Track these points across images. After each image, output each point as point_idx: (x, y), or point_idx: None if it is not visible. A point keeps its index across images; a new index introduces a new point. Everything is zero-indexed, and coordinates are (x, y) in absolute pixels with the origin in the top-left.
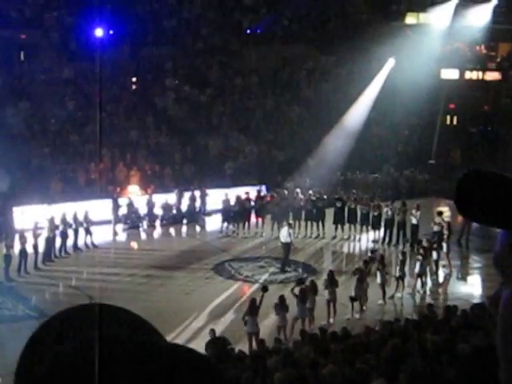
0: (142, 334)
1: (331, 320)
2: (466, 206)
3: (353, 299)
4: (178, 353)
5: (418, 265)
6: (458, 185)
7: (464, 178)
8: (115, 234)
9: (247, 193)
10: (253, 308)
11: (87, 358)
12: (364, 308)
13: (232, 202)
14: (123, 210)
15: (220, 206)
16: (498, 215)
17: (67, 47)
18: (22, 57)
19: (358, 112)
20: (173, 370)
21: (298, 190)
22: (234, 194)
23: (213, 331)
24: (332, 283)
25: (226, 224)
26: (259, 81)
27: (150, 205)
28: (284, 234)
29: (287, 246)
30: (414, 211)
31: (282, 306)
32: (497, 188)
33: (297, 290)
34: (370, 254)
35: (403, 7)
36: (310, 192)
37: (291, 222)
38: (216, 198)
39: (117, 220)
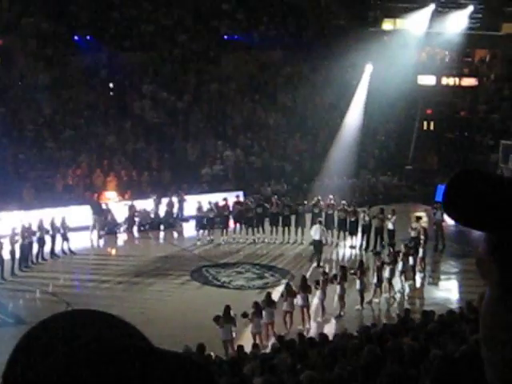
0: (133, 339)
1: (308, 325)
2: (455, 205)
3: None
4: (173, 358)
5: (387, 270)
6: (448, 183)
7: (455, 177)
8: (94, 240)
9: (225, 199)
10: (228, 316)
11: (80, 362)
12: (342, 314)
13: (205, 209)
14: (101, 216)
15: (197, 212)
16: (487, 216)
17: (44, 53)
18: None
19: (345, 117)
20: (169, 375)
21: (275, 196)
22: (211, 199)
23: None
24: (304, 289)
25: (201, 231)
26: (236, 87)
27: (128, 211)
28: (315, 232)
29: (319, 244)
30: (389, 216)
31: (256, 312)
32: (489, 187)
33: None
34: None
35: (380, 13)
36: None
37: (321, 219)
38: (193, 204)
39: (96, 226)
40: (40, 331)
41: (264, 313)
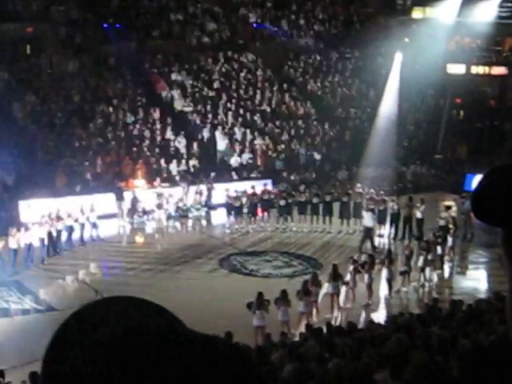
0: (172, 324)
1: (335, 313)
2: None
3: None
4: (217, 343)
5: (421, 259)
6: (479, 184)
7: (489, 175)
8: (122, 227)
9: (253, 187)
10: (260, 302)
11: (126, 346)
12: (370, 302)
13: (233, 197)
14: (128, 204)
15: (226, 200)
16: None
17: (73, 41)
18: (29, 50)
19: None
20: (213, 359)
21: (303, 185)
22: (239, 188)
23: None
24: (335, 277)
25: (229, 219)
26: (265, 75)
27: (156, 198)
28: (368, 220)
29: (369, 231)
30: (418, 205)
31: (284, 300)
32: None
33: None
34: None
35: (409, 1)
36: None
37: (373, 207)
38: (222, 192)
39: (123, 213)
40: (79, 318)
41: (301, 303)
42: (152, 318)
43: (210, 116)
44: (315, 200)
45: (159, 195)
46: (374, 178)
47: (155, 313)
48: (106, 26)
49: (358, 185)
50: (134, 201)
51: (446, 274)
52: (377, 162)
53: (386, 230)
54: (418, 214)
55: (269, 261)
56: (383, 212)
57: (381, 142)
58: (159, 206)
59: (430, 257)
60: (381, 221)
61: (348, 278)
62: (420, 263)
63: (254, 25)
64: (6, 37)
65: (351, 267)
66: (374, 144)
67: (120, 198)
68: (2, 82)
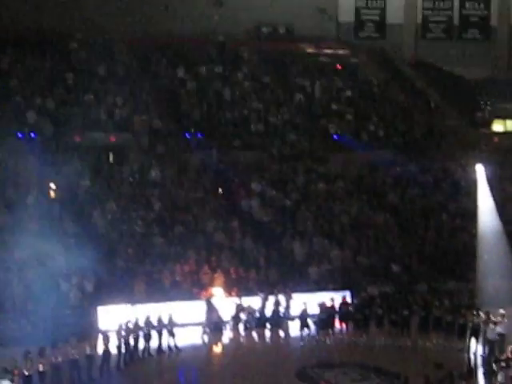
0: None
1: None
2: None
3: None
4: None
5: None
6: None
7: None
8: (203, 336)
9: (332, 299)
10: None
11: None
12: None
13: (311, 309)
14: (206, 313)
15: (304, 311)
16: None
17: (155, 150)
18: (111, 159)
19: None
20: None
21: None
22: (318, 299)
23: None
24: None
25: (307, 331)
26: (344, 186)
27: (234, 308)
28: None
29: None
30: (499, 319)
31: None
32: None
33: None
34: None
35: (489, 114)
36: None
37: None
38: (300, 303)
39: (202, 322)
40: None
41: None
42: None
43: (289, 226)
44: (393, 313)
45: (237, 305)
46: (456, 291)
47: None
48: (187, 135)
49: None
50: (212, 310)
51: None
52: (458, 274)
53: (466, 344)
54: (499, 330)
55: (346, 373)
56: (463, 325)
57: (460, 255)
58: (237, 316)
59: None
60: (460, 334)
61: None
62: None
63: (334, 136)
64: (89, 145)
65: None
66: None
67: (198, 307)
68: (84, 189)
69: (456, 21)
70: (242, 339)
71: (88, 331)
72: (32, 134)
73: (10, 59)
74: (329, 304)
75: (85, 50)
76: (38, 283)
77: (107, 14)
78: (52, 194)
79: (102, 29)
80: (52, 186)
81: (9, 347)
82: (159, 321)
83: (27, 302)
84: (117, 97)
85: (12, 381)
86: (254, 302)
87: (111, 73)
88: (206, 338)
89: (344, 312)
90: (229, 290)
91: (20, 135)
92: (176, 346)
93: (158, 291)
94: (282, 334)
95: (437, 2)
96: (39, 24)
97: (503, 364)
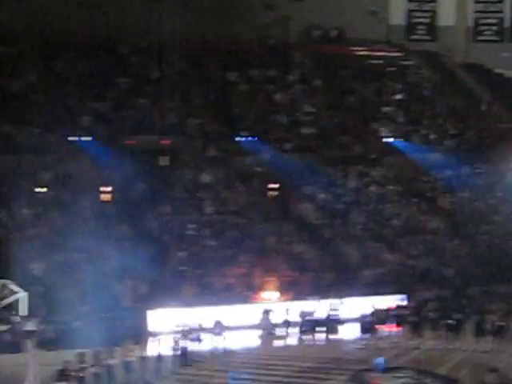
0: None
1: None
2: None
3: None
4: None
5: None
6: None
7: None
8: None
9: (386, 303)
10: None
11: None
12: None
13: (366, 312)
14: (259, 317)
15: (358, 315)
16: None
17: (208, 153)
18: (165, 162)
19: None
20: None
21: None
22: (372, 303)
23: None
24: None
25: (361, 335)
26: (396, 190)
27: (287, 312)
28: None
29: None
30: None
31: None
32: None
33: None
34: None
35: None
36: None
37: None
38: (354, 306)
39: (260, 326)
40: None
41: None
42: None
43: (341, 229)
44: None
45: (290, 309)
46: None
47: None
48: (240, 138)
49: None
50: (265, 314)
51: None
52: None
53: None
54: None
55: (399, 377)
56: None
57: None
58: (289, 320)
59: None
60: None
61: None
62: None
63: (386, 139)
64: (143, 148)
65: None
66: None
67: (251, 311)
68: (138, 192)
69: (507, 23)
70: (294, 343)
71: (141, 333)
72: (86, 138)
73: (64, 64)
74: (383, 307)
75: (137, 54)
76: (91, 285)
77: (158, 17)
78: (106, 196)
79: (154, 33)
80: (106, 188)
81: (63, 349)
82: (211, 324)
83: (81, 303)
84: (170, 100)
85: (67, 382)
86: (307, 305)
87: (164, 76)
88: (258, 342)
89: (398, 315)
90: (282, 294)
91: (74, 139)
92: (228, 350)
93: (210, 294)
94: (335, 337)
95: (488, 5)
96: (92, 29)
97: None
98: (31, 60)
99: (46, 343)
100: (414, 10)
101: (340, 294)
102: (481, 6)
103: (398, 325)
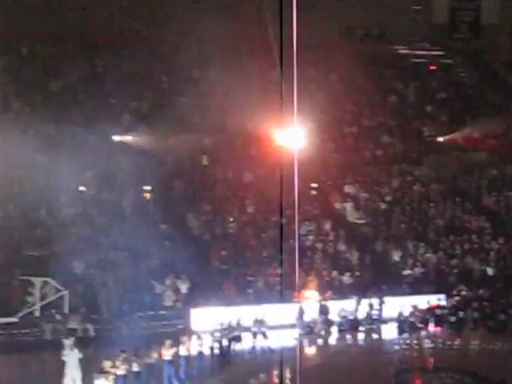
0: None
1: None
2: None
3: None
4: None
5: None
6: None
7: None
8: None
9: (428, 302)
10: None
11: None
12: None
13: (406, 312)
14: (299, 316)
15: (398, 315)
16: None
17: (247, 151)
18: (205, 161)
19: None
20: None
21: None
22: (412, 303)
23: None
24: None
25: (401, 334)
26: (439, 189)
27: (327, 311)
28: None
29: None
30: None
31: None
32: None
33: None
34: None
35: None
36: None
37: None
38: (394, 306)
39: (301, 326)
40: None
41: None
42: None
43: (382, 228)
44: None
45: (330, 308)
46: None
47: None
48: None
49: None
50: (304, 312)
51: None
52: None
53: None
54: None
55: (441, 377)
56: None
57: None
58: (329, 319)
59: None
60: None
61: None
62: None
63: (428, 138)
64: (183, 148)
65: None
66: None
67: (291, 309)
68: (178, 191)
69: None
70: (334, 342)
71: (182, 332)
72: (127, 137)
73: (105, 63)
74: (423, 307)
75: (177, 53)
76: (132, 284)
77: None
78: (147, 195)
79: (195, 32)
80: (147, 187)
81: (105, 347)
82: (252, 322)
83: (122, 302)
84: (210, 100)
85: (108, 380)
86: (347, 304)
87: (205, 76)
88: (298, 341)
89: (439, 315)
90: (322, 293)
91: (116, 138)
92: (269, 348)
93: (250, 293)
94: (375, 337)
95: None
96: (132, 28)
97: None
98: (73, 60)
99: (87, 341)
100: (457, 9)
101: (380, 293)
102: None
103: (439, 324)
